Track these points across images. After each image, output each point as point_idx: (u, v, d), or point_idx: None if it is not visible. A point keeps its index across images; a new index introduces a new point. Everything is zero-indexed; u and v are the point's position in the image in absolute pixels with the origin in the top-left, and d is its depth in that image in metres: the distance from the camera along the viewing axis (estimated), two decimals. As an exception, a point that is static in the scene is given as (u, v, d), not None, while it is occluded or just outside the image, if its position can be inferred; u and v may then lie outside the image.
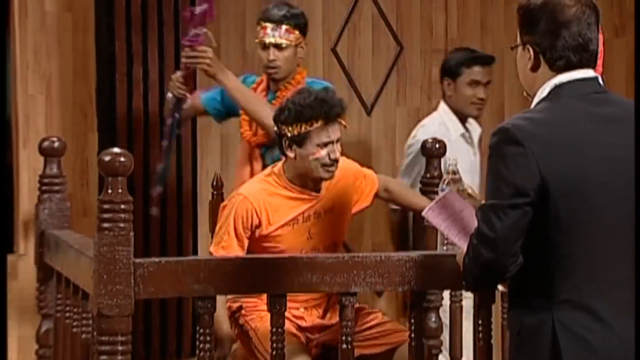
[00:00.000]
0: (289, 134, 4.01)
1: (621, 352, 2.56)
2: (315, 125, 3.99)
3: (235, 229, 3.99)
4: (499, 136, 2.62)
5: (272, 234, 4.02)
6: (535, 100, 2.72)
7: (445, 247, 3.49)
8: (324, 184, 4.12)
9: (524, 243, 2.60)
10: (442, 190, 3.43)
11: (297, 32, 4.49)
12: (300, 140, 4.00)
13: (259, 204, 4.00)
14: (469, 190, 3.45)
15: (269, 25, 4.46)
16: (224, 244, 3.98)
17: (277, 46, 4.44)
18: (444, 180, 3.42)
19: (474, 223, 2.66)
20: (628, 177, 2.60)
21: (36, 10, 5.51)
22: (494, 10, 6.06)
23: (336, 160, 4.03)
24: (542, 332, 2.58)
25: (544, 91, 2.70)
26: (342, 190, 4.18)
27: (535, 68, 2.72)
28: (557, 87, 2.68)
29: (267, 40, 4.46)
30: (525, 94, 3.15)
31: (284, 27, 4.46)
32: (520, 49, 2.76)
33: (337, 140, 4.04)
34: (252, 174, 4.41)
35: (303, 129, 3.99)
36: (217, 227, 4.05)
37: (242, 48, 5.87)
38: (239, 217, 3.98)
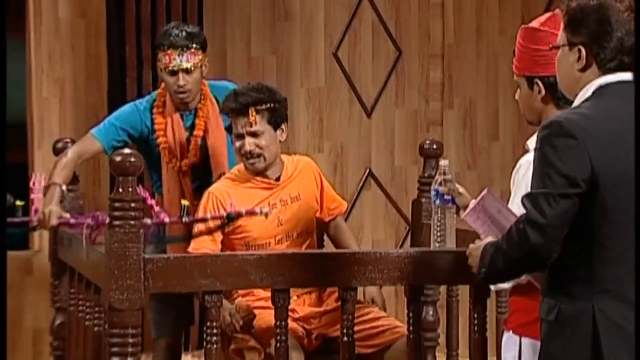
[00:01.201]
0: (226, 127, 4.12)
1: None
2: (231, 117, 4.03)
3: (207, 224, 3.98)
4: (550, 129, 2.59)
5: (239, 222, 4.00)
6: (578, 100, 2.68)
7: (437, 244, 3.50)
8: (285, 171, 4.10)
9: (568, 232, 2.58)
10: (435, 190, 3.45)
11: (200, 52, 4.24)
12: (231, 132, 4.08)
13: (222, 196, 4.01)
14: (460, 190, 3.47)
15: (173, 51, 4.20)
16: (196, 241, 3.98)
17: (186, 70, 4.21)
18: (436, 180, 3.45)
19: (511, 222, 2.66)
20: None
21: (50, 17, 5.52)
22: (489, 17, 6.06)
23: (249, 153, 3.99)
24: (582, 320, 2.58)
25: (587, 91, 2.66)
26: (304, 181, 4.14)
27: (585, 68, 2.67)
28: (602, 87, 2.65)
29: (175, 67, 4.20)
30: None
31: (189, 50, 4.22)
32: (566, 49, 2.69)
33: (251, 134, 3.99)
34: (185, 197, 4.25)
35: (229, 121, 4.08)
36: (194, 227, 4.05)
37: (248, 53, 5.88)
38: (207, 211, 3.99)
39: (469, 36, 6.06)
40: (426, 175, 4.37)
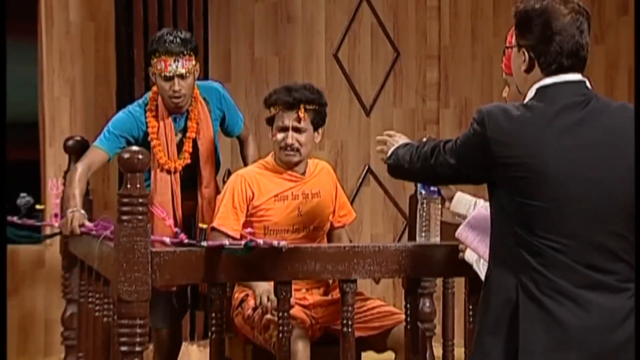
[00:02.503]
0: (266, 118, 4.14)
1: (577, 325, 2.57)
2: (278, 109, 4.07)
3: (233, 202, 4.05)
4: (476, 114, 2.70)
5: (263, 205, 4.07)
6: (526, 99, 2.72)
7: (422, 234, 3.50)
8: (308, 168, 4.16)
9: (500, 216, 2.65)
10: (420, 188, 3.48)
11: (194, 57, 4.24)
12: (270, 123, 4.12)
13: (251, 179, 4.09)
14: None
15: (169, 58, 4.18)
16: (220, 216, 4.06)
17: (181, 76, 4.18)
18: None
19: None
20: (584, 175, 2.60)
21: (61, 20, 5.52)
22: (484, 20, 6.06)
23: (289, 146, 4.05)
24: (506, 289, 2.61)
25: (531, 92, 2.70)
26: (323, 181, 4.21)
27: (529, 70, 2.71)
28: (541, 89, 2.68)
29: (171, 73, 4.19)
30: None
31: (184, 57, 4.21)
32: (515, 50, 2.75)
33: (295, 129, 4.06)
34: (174, 199, 4.29)
35: (271, 112, 4.11)
36: (218, 206, 4.12)
37: (251, 55, 5.87)
38: (236, 191, 4.06)
39: (465, 38, 6.06)
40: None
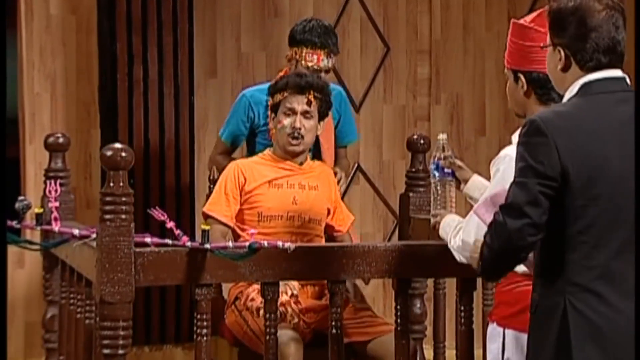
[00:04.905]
0: (270, 105, 4.20)
1: (630, 335, 2.58)
2: (285, 94, 4.13)
3: (225, 188, 4.12)
4: (526, 127, 2.65)
5: (256, 190, 4.12)
6: (566, 97, 2.73)
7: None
8: (307, 163, 4.21)
9: (546, 228, 2.62)
10: (435, 163, 3.39)
11: (334, 57, 4.53)
12: (275, 109, 4.17)
13: (245, 166, 4.18)
14: (459, 163, 3.42)
15: (323, 52, 4.45)
16: (210, 201, 4.15)
17: (327, 71, 4.48)
18: (434, 156, 3.38)
19: None
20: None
21: (42, 13, 5.50)
22: (476, 13, 6.06)
23: (298, 130, 4.10)
24: (555, 313, 2.61)
25: (573, 89, 2.71)
26: (322, 179, 4.23)
27: (566, 69, 2.72)
28: (587, 85, 2.69)
29: (323, 67, 4.45)
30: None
31: (333, 55, 4.49)
32: (550, 49, 2.75)
33: (304, 113, 4.11)
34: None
35: (277, 98, 4.15)
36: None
37: (238, 49, 5.86)
38: (228, 178, 4.14)
39: (456, 32, 6.06)
40: (414, 169, 4.36)
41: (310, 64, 4.44)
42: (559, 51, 2.72)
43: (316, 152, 4.53)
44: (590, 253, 2.60)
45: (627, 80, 2.73)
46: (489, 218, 2.70)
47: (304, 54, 4.45)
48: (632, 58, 5.75)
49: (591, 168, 2.59)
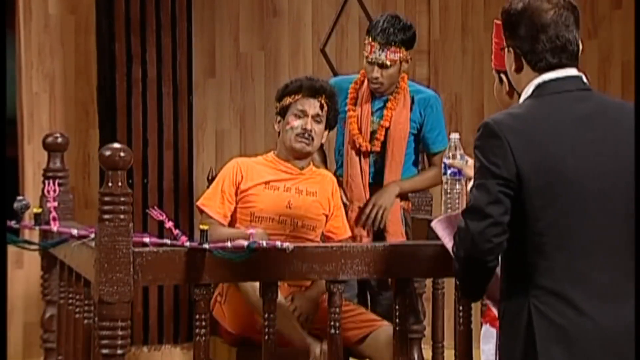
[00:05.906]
0: (277, 108, 4.21)
1: (597, 338, 2.56)
2: (296, 97, 4.15)
3: (222, 184, 4.15)
4: (480, 130, 2.65)
5: (251, 190, 4.14)
6: (522, 98, 2.73)
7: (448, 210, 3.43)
8: (309, 168, 4.21)
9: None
10: (444, 163, 3.41)
11: (403, 50, 4.42)
12: (283, 113, 4.18)
13: (244, 165, 4.20)
14: (470, 162, 3.42)
15: (376, 44, 4.38)
16: (205, 196, 4.19)
17: (382, 65, 4.38)
18: (446, 155, 3.39)
19: None
20: (601, 170, 2.61)
21: (40, 13, 5.50)
22: (474, 13, 6.07)
23: (309, 132, 4.12)
24: (521, 317, 2.59)
25: (528, 90, 2.71)
26: (323, 187, 4.23)
27: (519, 70, 2.73)
28: (540, 86, 2.68)
29: (373, 59, 4.38)
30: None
31: (391, 47, 4.38)
32: (506, 50, 2.77)
33: (315, 117, 4.14)
34: (363, 179, 4.44)
35: (287, 101, 4.17)
36: None
37: (236, 49, 5.87)
38: (227, 175, 4.17)
39: (455, 32, 6.07)
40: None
41: (367, 56, 4.42)
42: (512, 52, 2.72)
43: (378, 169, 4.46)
44: (552, 255, 2.57)
45: (584, 78, 2.71)
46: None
47: (364, 43, 4.46)
48: (632, 58, 5.77)
49: (548, 169, 2.58)
